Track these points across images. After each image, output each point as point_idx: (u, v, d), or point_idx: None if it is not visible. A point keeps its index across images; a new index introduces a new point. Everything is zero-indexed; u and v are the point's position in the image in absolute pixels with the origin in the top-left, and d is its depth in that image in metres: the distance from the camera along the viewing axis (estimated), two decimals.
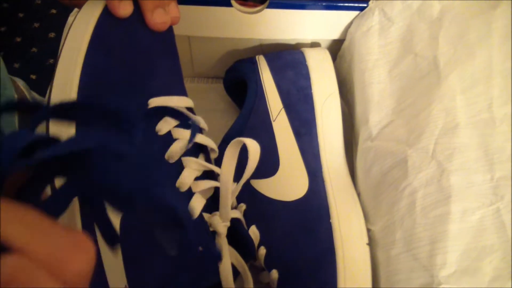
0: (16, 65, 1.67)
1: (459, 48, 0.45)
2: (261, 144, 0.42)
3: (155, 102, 0.42)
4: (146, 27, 0.44)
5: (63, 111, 0.28)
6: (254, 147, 0.41)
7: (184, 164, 0.42)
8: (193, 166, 0.42)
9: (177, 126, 0.43)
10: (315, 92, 0.53)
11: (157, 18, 0.44)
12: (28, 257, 0.21)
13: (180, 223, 0.27)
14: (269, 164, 0.48)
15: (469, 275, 0.36)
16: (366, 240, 0.45)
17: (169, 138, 0.42)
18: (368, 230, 0.45)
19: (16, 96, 0.68)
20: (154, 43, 0.45)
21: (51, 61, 1.69)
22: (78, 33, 0.42)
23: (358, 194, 0.49)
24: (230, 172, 0.42)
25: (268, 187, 0.48)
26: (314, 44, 0.60)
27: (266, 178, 0.47)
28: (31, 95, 0.75)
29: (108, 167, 0.23)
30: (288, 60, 0.56)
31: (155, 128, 0.42)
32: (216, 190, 0.44)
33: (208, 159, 0.46)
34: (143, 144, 0.40)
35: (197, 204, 0.42)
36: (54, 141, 0.24)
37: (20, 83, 0.73)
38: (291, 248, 0.46)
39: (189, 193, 0.42)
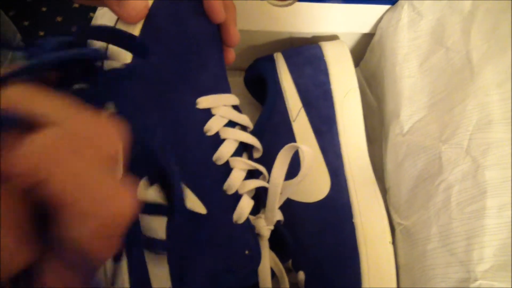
0: None
1: (492, 43, 0.45)
2: (282, 146, 0.42)
3: (203, 102, 0.41)
4: (198, 18, 0.43)
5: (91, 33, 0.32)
6: (309, 155, 0.41)
7: (231, 164, 0.41)
8: (241, 166, 0.41)
9: (225, 125, 0.42)
10: (334, 88, 0.53)
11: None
12: (69, 130, 0.22)
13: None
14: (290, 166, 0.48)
15: (506, 270, 0.36)
16: (389, 239, 0.45)
17: (217, 139, 0.42)
18: (399, 225, 0.46)
19: None
20: (204, 35, 0.44)
21: None
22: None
23: (388, 188, 0.49)
24: (280, 176, 0.41)
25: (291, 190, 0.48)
26: (345, 37, 0.60)
27: (288, 180, 0.47)
28: None
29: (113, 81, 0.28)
30: (306, 56, 0.56)
31: (203, 128, 0.41)
32: (257, 190, 0.43)
33: (250, 158, 0.45)
34: (192, 145, 0.40)
35: (246, 206, 0.41)
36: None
37: None
38: (316, 250, 0.46)
39: (236, 195, 0.41)
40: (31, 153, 0.20)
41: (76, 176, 0.21)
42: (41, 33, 1.77)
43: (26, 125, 0.21)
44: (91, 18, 0.66)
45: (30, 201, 0.21)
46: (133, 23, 0.41)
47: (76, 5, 1.79)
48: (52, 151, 0.21)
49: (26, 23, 1.79)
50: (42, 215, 0.21)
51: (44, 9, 1.83)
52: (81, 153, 0.22)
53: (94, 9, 0.65)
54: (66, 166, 0.21)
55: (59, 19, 1.80)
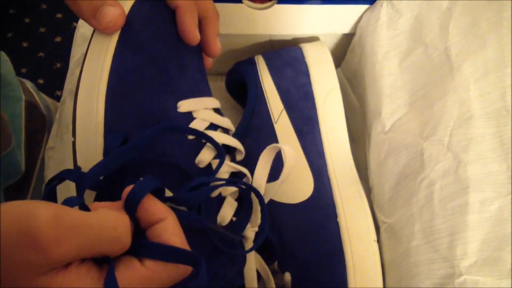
0: (24, 70, 1.68)
1: (470, 38, 0.45)
2: (264, 148, 0.42)
3: (184, 105, 0.41)
4: (175, 23, 0.43)
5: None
6: (290, 155, 0.40)
7: (214, 167, 0.41)
8: (223, 169, 0.41)
9: (207, 128, 0.42)
10: (315, 89, 0.53)
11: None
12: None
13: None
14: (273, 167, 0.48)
15: (490, 264, 0.37)
16: (374, 237, 0.45)
17: (199, 142, 0.41)
18: (383, 223, 0.46)
19: (24, 97, 0.68)
20: (183, 41, 0.44)
21: (58, 65, 1.70)
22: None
23: (371, 187, 0.49)
24: (263, 177, 0.41)
25: (274, 191, 0.47)
26: (325, 38, 0.60)
27: (271, 182, 0.46)
28: (39, 96, 0.75)
29: None
30: (286, 58, 0.56)
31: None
32: (241, 192, 0.43)
33: (233, 160, 0.45)
34: (173, 148, 0.40)
35: (229, 208, 0.41)
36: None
37: (28, 84, 0.73)
38: (301, 250, 0.46)
39: (219, 197, 0.41)
40: None
41: None
42: (25, 44, 1.76)
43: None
44: (75, 28, 0.66)
45: None
46: (111, 34, 0.41)
47: (59, 16, 1.79)
48: None
49: (9, 34, 1.79)
50: None
51: (27, 20, 1.83)
52: None
53: (76, 19, 0.65)
54: None
55: (42, 30, 1.79)
